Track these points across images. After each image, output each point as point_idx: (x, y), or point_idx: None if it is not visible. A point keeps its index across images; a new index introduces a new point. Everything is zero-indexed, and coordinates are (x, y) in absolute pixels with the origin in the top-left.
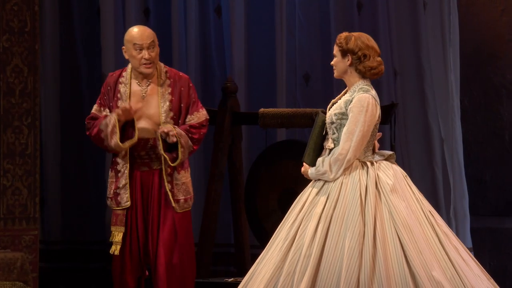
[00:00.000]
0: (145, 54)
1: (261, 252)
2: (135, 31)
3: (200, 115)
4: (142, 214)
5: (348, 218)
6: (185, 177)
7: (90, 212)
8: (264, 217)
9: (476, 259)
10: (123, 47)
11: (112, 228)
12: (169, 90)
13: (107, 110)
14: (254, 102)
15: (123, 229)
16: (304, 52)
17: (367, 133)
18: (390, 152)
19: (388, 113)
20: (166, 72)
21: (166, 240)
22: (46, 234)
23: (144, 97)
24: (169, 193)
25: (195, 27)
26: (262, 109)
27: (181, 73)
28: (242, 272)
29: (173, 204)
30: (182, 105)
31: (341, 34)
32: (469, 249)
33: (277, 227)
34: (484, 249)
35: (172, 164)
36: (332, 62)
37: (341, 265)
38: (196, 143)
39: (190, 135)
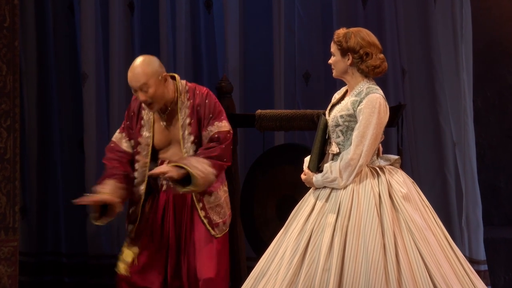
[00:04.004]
0: (140, 96)
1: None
2: (129, 72)
3: (207, 132)
4: (174, 236)
5: (366, 229)
6: (219, 197)
7: (73, 223)
8: (262, 227)
9: (490, 272)
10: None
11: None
12: (188, 112)
13: (127, 139)
14: (251, 103)
15: (135, 249)
16: (304, 49)
17: (379, 135)
18: (396, 157)
19: (395, 114)
20: (187, 91)
21: (207, 273)
22: (27, 246)
23: (164, 126)
24: (205, 221)
25: (185, 22)
26: (259, 111)
27: (197, 89)
28: (238, 286)
29: (213, 232)
30: (201, 125)
31: (338, 31)
32: (482, 261)
33: (275, 237)
34: (499, 262)
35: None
36: (330, 61)
37: (367, 278)
38: (217, 160)
39: (207, 160)
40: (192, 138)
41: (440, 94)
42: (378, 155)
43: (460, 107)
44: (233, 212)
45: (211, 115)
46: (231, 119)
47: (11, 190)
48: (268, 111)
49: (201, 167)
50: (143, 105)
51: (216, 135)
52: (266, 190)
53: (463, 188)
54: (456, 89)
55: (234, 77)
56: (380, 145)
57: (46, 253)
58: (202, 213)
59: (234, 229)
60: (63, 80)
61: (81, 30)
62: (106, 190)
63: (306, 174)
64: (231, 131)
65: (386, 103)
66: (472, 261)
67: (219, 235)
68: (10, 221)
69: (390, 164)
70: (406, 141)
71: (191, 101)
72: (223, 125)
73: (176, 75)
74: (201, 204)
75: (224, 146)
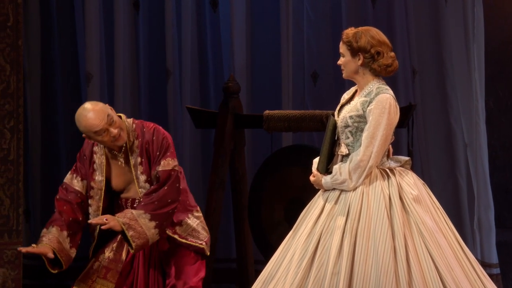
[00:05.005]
0: (111, 132)
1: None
2: (87, 121)
3: (155, 172)
4: (144, 272)
5: (376, 232)
6: (189, 224)
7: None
8: (269, 229)
9: (502, 275)
10: (84, 135)
11: (100, 281)
12: (138, 151)
13: (79, 179)
14: (258, 104)
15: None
16: (312, 48)
17: (389, 136)
18: (406, 158)
19: (406, 115)
20: (134, 129)
21: (191, 281)
22: None
23: (122, 166)
24: (192, 242)
25: (190, 22)
26: (267, 111)
27: (145, 126)
28: None
29: (205, 246)
30: (151, 163)
31: (347, 31)
32: (495, 265)
33: (283, 240)
34: (511, 265)
35: (131, 251)
36: (339, 62)
37: (377, 281)
38: (160, 205)
39: (148, 213)
40: (144, 177)
41: (451, 95)
42: (388, 156)
43: (472, 107)
44: (241, 214)
45: (158, 153)
46: (238, 120)
47: (14, 192)
48: (276, 111)
49: (139, 227)
50: (94, 149)
51: (159, 175)
52: (274, 192)
53: (475, 190)
54: (468, 89)
55: (241, 77)
56: (390, 146)
57: None
58: (183, 240)
59: (241, 232)
60: (67, 80)
61: (85, 30)
62: (45, 240)
63: (315, 175)
64: (176, 168)
65: (397, 103)
66: (484, 264)
67: (208, 251)
68: (13, 224)
69: (401, 166)
70: (417, 142)
71: (140, 139)
72: (167, 163)
73: (122, 115)
74: (177, 236)
75: (166, 187)
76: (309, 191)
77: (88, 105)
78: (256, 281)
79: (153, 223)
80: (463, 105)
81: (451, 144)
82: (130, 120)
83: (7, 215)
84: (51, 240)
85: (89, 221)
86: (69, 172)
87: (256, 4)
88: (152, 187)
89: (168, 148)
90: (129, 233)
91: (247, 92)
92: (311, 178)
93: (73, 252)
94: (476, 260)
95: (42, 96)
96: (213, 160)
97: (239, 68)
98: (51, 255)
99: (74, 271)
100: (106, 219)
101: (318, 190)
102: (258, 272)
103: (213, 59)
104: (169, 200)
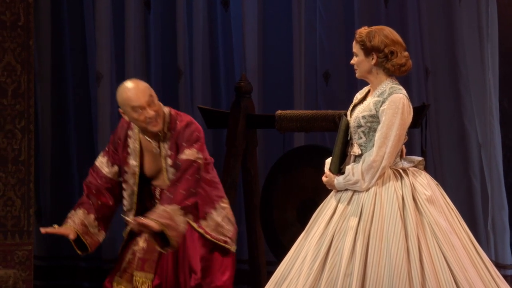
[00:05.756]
0: (148, 113)
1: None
2: (128, 92)
3: (177, 161)
4: (173, 265)
5: (389, 232)
6: (214, 219)
7: None
8: (282, 230)
9: None
10: (120, 109)
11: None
12: (169, 143)
13: (109, 164)
14: (270, 104)
15: (150, 276)
16: (324, 48)
17: (402, 136)
18: (420, 158)
19: (419, 115)
20: (169, 121)
21: (218, 280)
22: (42, 249)
23: (154, 153)
24: (216, 240)
25: (202, 21)
26: (279, 111)
27: (179, 119)
28: None
29: (228, 246)
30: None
31: (360, 30)
32: (509, 266)
33: (295, 241)
34: None
35: (161, 249)
36: (352, 61)
37: (390, 283)
38: (187, 195)
39: (180, 209)
40: (173, 170)
41: (465, 95)
42: (401, 156)
43: (486, 107)
44: (253, 215)
45: (184, 144)
46: (250, 120)
47: (25, 193)
48: (288, 111)
49: (175, 225)
50: (129, 132)
51: (180, 163)
52: (286, 193)
53: (488, 191)
54: (482, 89)
55: (253, 77)
56: (403, 146)
57: (61, 257)
58: (207, 236)
59: (253, 233)
60: (78, 80)
61: (96, 29)
62: (69, 222)
63: (327, 176)
64: (199, 160)
65: (410, 103)
66: (498, 266)
67: (233, 249)
68: (24, 224)
69: (414, 166)
70: (430, 142)
71: (172, 132)
72: (191, 153)
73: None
74: (202, 230)
75: (189, 177)
76: (321, 192)
77: (133, 80)
78: (269, 282)
79: (184, 218)
80: (477, 105)
81: (465, 145)
82: (167, 109)
83: (18, 215)
84: (76, 222)
85: (127, 219)
86: (101, 154)
87: (268, 3)
88: (174, 178)
89: (197, 140)
90: (171, 234)
91: (259, 92)
92: (324, 178)
93: (101, 235)
94: (490, 261)
95: (53, 96)
96: (225, 160)
97: (251, 68)
98: (72, 236)
99: (85, 272)
100: (143, 221)
101: (331, 190)
102: (270, 273)
103: (225, 59)
104: (193, 191)
